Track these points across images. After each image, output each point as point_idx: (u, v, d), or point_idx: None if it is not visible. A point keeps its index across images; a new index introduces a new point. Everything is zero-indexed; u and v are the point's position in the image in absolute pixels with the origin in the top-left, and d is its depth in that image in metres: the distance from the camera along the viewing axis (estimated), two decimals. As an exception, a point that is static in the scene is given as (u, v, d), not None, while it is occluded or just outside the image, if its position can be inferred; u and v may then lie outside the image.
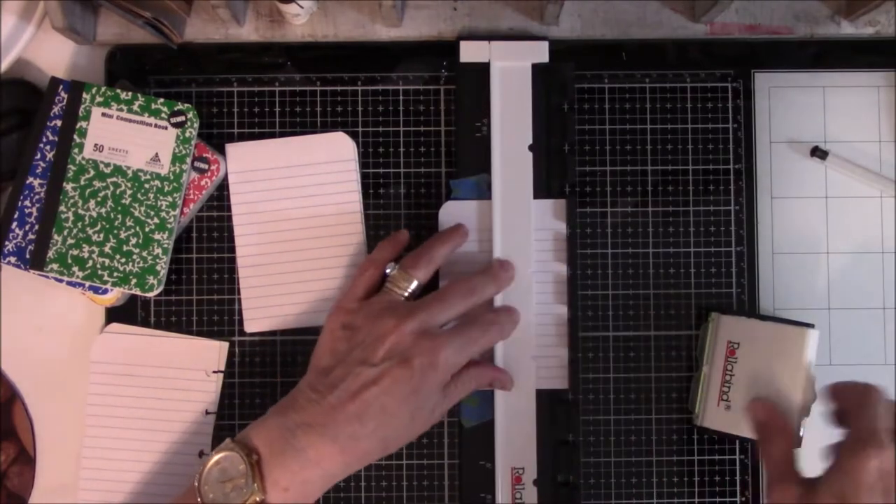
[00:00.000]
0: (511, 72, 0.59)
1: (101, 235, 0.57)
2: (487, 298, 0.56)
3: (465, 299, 0.54)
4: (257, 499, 0.48)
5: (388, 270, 0.55)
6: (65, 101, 0.57)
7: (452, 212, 0.59)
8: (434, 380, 0.51)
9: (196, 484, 0.49)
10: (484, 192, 0.58)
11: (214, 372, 0.59)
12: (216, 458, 0.49)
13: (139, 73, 0.60)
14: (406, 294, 0.54)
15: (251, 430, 0.50)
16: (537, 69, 0.59)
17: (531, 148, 0.58)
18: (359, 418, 0.49)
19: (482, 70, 0.59)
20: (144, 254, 0.57)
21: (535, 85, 0.59)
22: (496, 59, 0.58)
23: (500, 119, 0.58)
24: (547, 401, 0.58)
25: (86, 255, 0.56)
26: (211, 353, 0.59)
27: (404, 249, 0.57)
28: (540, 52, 0.59)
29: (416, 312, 0.52)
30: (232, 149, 0.59)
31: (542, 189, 0.58)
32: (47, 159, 0.57)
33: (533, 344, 0.58)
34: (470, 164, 0.58)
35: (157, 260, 0.57)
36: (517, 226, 0.58)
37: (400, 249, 0.57)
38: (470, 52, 0.59)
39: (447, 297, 0.53)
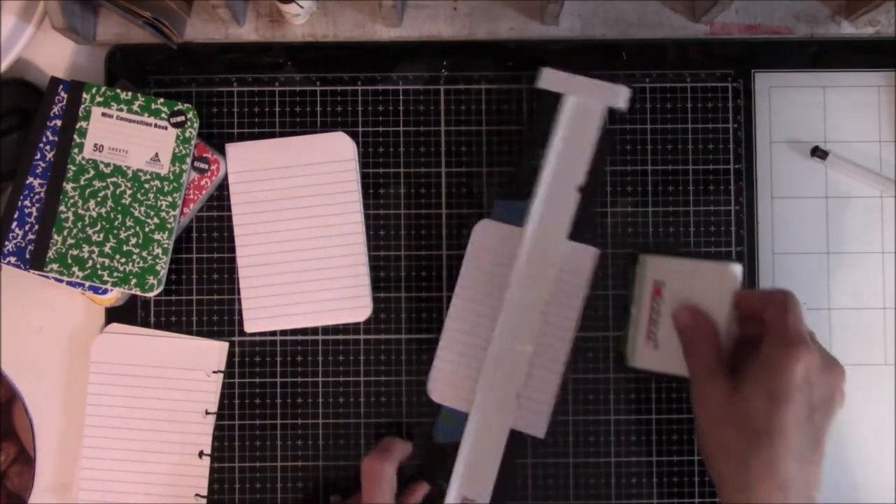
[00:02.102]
0: (583, 110, 0.57)
1: (101, 235, 0.57)
2: None
3: None
4: None
5: None
6: (65, 101, 0.57)
7: (487, 231, 0.58)
8: None
9: None
10: (522, 220, 0.57)
11: (214, 372, 0.59)
12: None
13: (139, 73, 0.60)
14: None
15: None
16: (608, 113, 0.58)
17: (580, 189, 0.57)
18: None
19: (559, 101, 0.57)
20: (144, 254, 0.57)
21: (603, 130, 0.57)
22: (572, 93, 0.57)
23: (559, 152, 0.57)
24: (518, 443, 0.56)
25: (86, 255, 0.56)
26: (211, 353, 0.59)
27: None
28: (619, 97, 0.57)
29: None
30: (232, 149, 0.59)
31: (579, 232, 0.57)
32: (47, 159, 0.57)
33: (521, 381, 0.56)
34: (517, 188, 0.58)
35: (157, 260, 0.57)
36: (542, 261, 0.57)
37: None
38: (549, 80, 0.57)
39: None
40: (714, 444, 0.50)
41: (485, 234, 0.58)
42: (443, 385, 0.58)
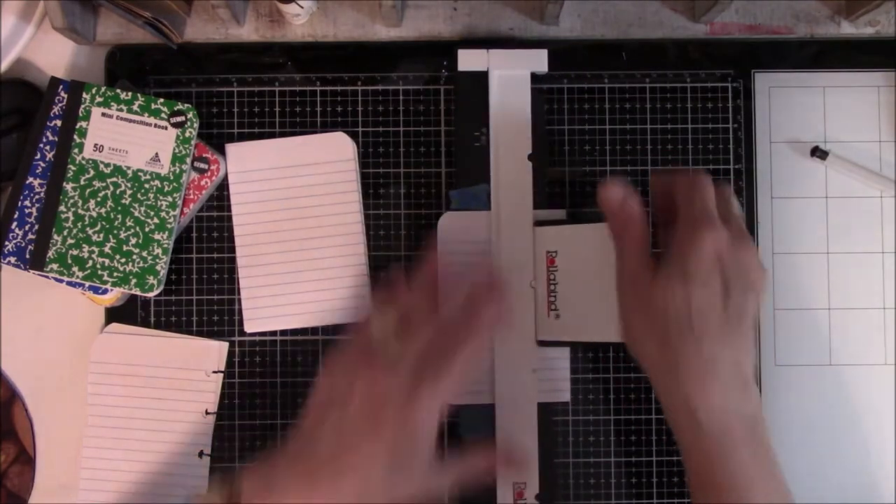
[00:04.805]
0: (510, 80, 0.58)
1: (101, 235, 0.57)
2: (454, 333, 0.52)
3: (444, 338, 0.51)
4: None
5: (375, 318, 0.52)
6: (65, 101, 0.57)
7: (452, 223, 0.58)
8: (416, 439, 0.48)
9: None
10: (484, 203, 0.58)
11: (214, 372, 0.59)
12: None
13: (139, 73, 0.60)
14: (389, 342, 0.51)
15: (244, 474, 0.49)
16: (536, 78, 0.59)
17: (531, 157, 0.58)
18: (334, 484, 0.47)
19: (480, 77, 0.58)
20: (144, 254, 0.57)
21: (534, 93, 0.58)
22: (495, 67, 0.58)
23: (499, 128, 0.58)
24: (548, 414, 0.58)
25: (86, 255, 0.56)
26: (211, 353, 0.59)
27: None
28: (539, 61, 0.58)
29: (395, 366, 0.49)
30: (232, 149, 0.59)
31: (543, 199, 0.58)
32: (47, 159, 0.57)
33: (534, 356, 0.57)
34: (469, 173, 0.58)
35: (157, 260, 0.57)
36: (517, 237, 0.58)
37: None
38: (468, 60, 0.58)
39: (422, 338, 0.50)
40: (639, 328, 0.51)
41: (451, 227, 0.58)
42: None
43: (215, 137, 0.60)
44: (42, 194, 0.57)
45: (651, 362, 0.51)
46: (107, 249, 0.56)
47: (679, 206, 0.51)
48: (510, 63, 0.58)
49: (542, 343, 0.57)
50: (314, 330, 0.59)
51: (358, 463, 0.48)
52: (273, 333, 0.59)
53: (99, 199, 0.57)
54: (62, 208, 0.56)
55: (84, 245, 0.56)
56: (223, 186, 0.60)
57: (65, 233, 0.56)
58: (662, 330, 0.49)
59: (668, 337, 0.49)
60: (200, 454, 0.58)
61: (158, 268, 0.57)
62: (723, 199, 0.52)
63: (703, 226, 0.49)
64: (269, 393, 0.59)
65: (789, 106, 0.61)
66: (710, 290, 0.48)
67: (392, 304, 0.53)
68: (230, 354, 0.59)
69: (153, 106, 0.57)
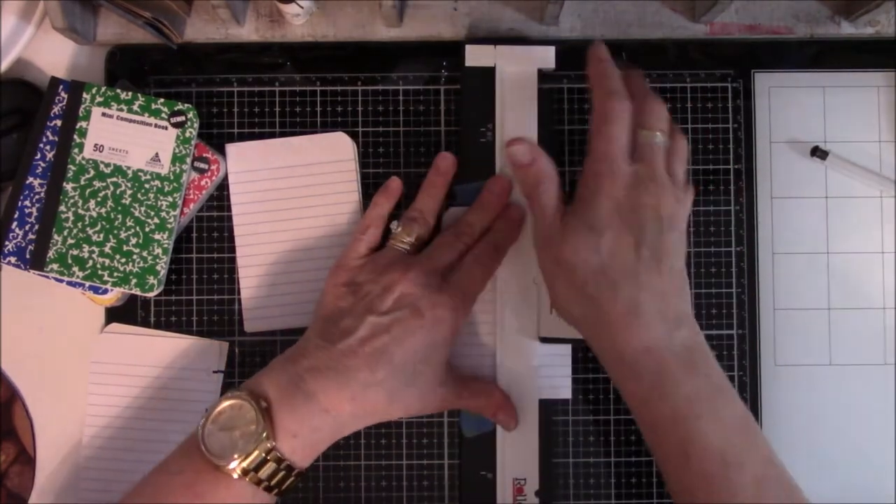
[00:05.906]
0: (517, 76, 0.58)
1: (102, 235, 0.57)
2: (483, 230, 0.56)
3: (462, 239, 0.55)
4: (268, 445, 0.47)
5: (392, 228, 0.56)
6: (65, 101, 0.57)
7: (456, 218, 0.58)
8: (443, 332, 0.52)
9: (200, 432, 0.48)
10: None
11: (214, 372, 0.59)
12: (221, 406, 0.48)
13: (139, 73, 0.60)
14: (408, 248, 0.55)
15: (259, 377, 0.50)
16: (543, 75, 0.58)
17: None
18: (369, 365, 0.49)
19: (487, 74, 0.58)
20: (144, 254, 0.57)
21: (540, 91, 0.58)
22: (502, 63, 0.58)
23: (506, 125, 0.58)
24: (549, 411, 0.58)
25: (86, 255, 0.56)
26: (211, 353, 0.59)
27: (399, 199, 0.58)
28: (546, 58, 0.58)
29: (419, 262, 0.53)
30: (232, 149, 0.59)
31: None
32: (47, 159, 0.57)
33: (535, 353, 0.57)
34: (474, 169, 0.58)
35: (158, 260, 0.57)
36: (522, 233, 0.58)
37: (395, 200, 0.58)
38: (475, 56, 0.58)
39: (445, 241, 0.55)
40: (562, 290, 0.50)
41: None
42: None
43: (215, 137, 0.60)
44: (42, 194, 0.57)
45: (579, 321, 0.50)
46: (107, 249, 0.57)
47: (590, 148, 0.51)
48: (518, 59, 0.58)
49: (545, 340, 0.57)
50: (314, 330, 0.59)
51: (392, 348, 0.50)
52: (273, 333, 0.59)
53: (99, 199, 0.57)
54: (62, 208, 0.56)
55: (84, 245, 0.56)
56: (223, 186, 0.60)
57: (65, 233, 0.56)
58: (581, 285, 0.49)
59: (587, 291, 0.48)
60: (200, 454, 0.58)
61: (158, 268, 0.57)
62: (642, 127, 0.51)
63: (603, 173, 0.49)
64: (269, 393, 0.59)
65: (789, 106, 0.61)
66: (617, 236, 0.48)
67: (421, 221, 0.56)
68: (230, 354, 0.59)
69: (153, 106, 0.58)
